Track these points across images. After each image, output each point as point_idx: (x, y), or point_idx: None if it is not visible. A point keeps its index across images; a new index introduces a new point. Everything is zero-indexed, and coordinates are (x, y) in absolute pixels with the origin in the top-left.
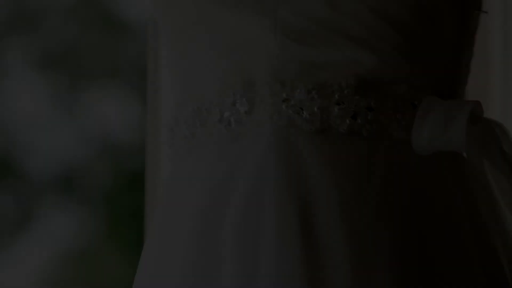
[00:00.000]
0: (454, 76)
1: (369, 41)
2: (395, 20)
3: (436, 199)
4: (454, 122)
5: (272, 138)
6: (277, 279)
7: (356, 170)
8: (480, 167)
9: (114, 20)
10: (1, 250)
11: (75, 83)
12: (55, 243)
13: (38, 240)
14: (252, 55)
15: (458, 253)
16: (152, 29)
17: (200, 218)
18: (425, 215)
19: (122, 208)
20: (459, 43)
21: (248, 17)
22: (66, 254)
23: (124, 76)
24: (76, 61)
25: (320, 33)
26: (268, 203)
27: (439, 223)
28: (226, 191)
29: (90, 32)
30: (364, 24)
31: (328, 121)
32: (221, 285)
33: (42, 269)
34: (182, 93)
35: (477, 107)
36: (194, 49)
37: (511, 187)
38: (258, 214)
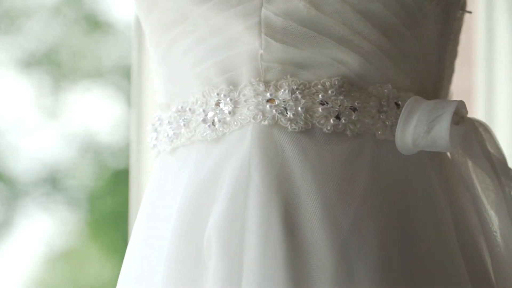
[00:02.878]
0: (438, 76)
1: (353, 41)
2: (380, 20)
3: (420, 199)
4: (438, 122)
5: (256, 138)
6: (261, 280)
7: (340, 170)
8: (464, 166)
9: (98, 20)
10: None
11: (59, 83)
12: (38, 243)
13: (21, 241)
14: (236, 55)
15: (442, 252)
16: (136, 29)
17: (184, 219)
18: (409, 215)
19: (106, 208)
20: (443, 43)
21: (232, 17)
22: (50, 254)
23: (108, 76)
24: (60, 61)
25: (304, 33)
26: (252, 203)
27: (423, 223)
28: (210, 191)
29: (73, 32)
30: (348, 24)
31: (312, 121)
32: (205, 286)
33: (25, 269)
34: (165, 93)
35: (461, 106)
36: (178, 49)
37: (495, 186)
38: (242, 214)
